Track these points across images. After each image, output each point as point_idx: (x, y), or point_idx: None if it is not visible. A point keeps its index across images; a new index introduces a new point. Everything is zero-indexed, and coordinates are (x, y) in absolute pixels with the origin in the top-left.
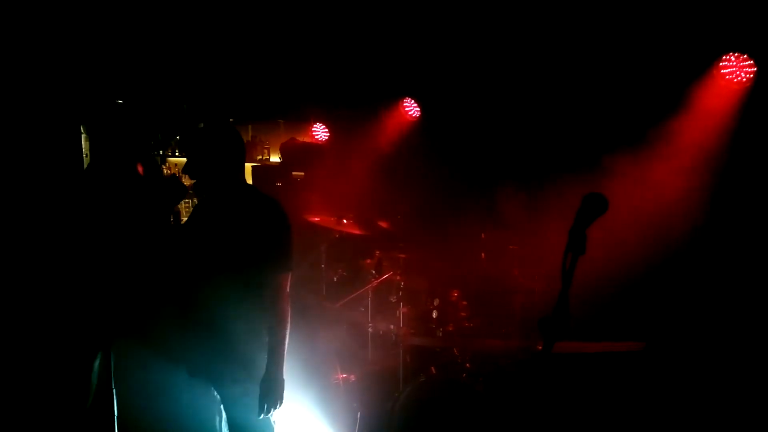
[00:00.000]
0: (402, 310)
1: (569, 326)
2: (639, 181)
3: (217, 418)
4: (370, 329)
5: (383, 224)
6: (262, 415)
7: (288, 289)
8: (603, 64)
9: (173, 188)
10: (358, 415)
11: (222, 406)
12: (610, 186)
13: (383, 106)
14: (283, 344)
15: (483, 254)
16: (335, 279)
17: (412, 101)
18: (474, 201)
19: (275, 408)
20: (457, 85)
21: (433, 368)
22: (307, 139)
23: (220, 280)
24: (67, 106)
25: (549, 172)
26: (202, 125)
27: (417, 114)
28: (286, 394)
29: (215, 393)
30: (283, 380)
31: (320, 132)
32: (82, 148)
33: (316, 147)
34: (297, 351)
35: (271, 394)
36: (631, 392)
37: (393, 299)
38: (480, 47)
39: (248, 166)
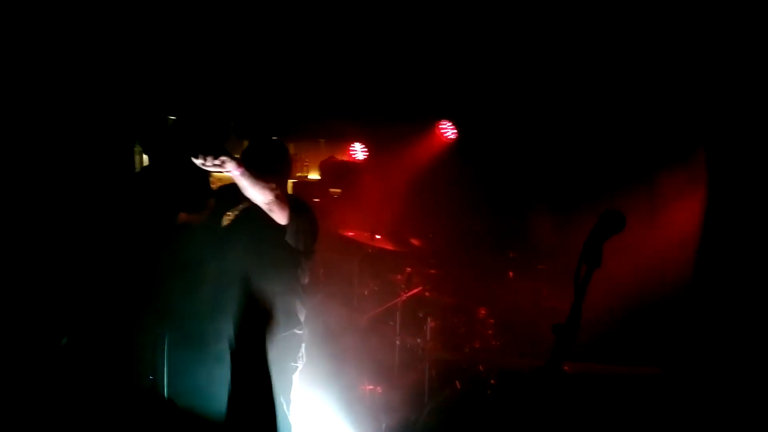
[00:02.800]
0: (429, 324)
1: (576, 334)
2: (670, 206)
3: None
4: (397, 342)
5: (415, 242)
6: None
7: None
8: (642, 92)
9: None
10: (383, 426)
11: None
12: (641, 210)
13: (420, 127)
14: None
15: (510, 273)
16: (366, 293)
17: (449, 123)
18: (505, 221)
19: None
20: (494, 109)
21: (458, 383)
22: (345, 158)
23: (251, 271)
24: (121, 124)
25: (581, 195)
26: (246, 143)
27: (453, 136)
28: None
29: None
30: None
31: (358, 151)
32: (134, 161)
33: (354, 165)
34: (326, 361)
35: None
36: (647, 417)
37: (421, 314)
38: (517, 72)
39: (289, 182)
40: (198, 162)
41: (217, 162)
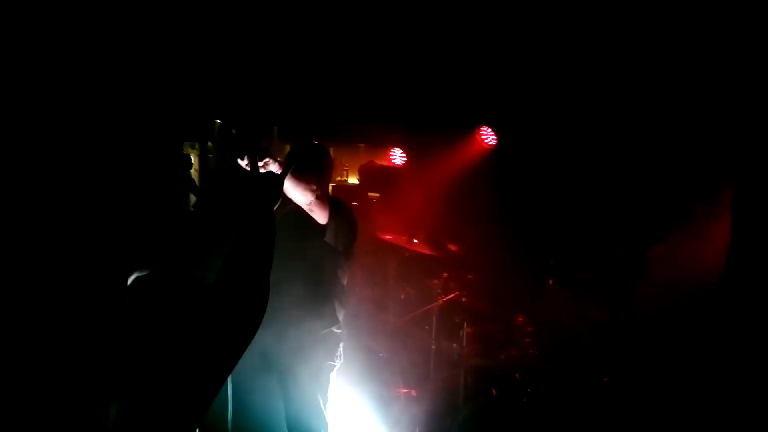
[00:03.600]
0: (466, 330)
1: (621, 341)
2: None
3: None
4: (433, 347)
5: (452, 247)
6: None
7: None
8: (691, 100)
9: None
10: (417, 430)
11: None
12: (693, 224)
13: (461, 133)
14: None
15: (550, 281)
16: (402, 296)
17: (489, 129)
18: (544, 228)
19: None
20: (534, 115)
21: (493, 390)
22: (384, 163)
23: (292, 269)
24: (174, 126)
25: (625, 203)
26: (289, 147)
27: (493, 142)
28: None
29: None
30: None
31: (398, 156)
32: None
33: (393, 170)
34: (363, 362)
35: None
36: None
37: (457, 319)
38: (558, 79)
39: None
40: (243, 163)
41: (260, 163)
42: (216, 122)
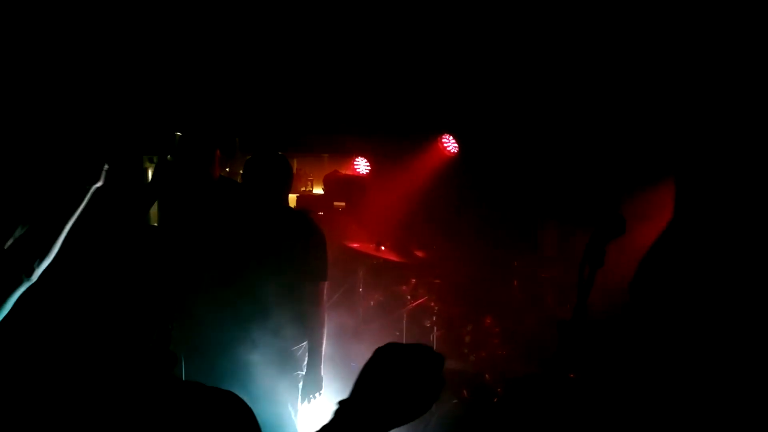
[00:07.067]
0: (436, 334)
1: (586, 332)
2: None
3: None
4: None
5: (419, 253)
6: (304, 403)
7: (324, 297)
8: (644, 104)
9: None
10: None
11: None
12: (648, 218)
13: (423, 141)
14: (321, 345)
15: (515, 282)
16: (372, 303)
17: (451, 137)
18: (508, 231)
19: (315, 398)
20: (495, 122)
21: (465, 391)
22: (349, 172)
23: (266, 285)
24: (129, 139)
25: (585, 205)
26: (249, 157)
27: (455, 150)
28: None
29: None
30: (321, 377)
31: (362, 165)
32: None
33: (358, 179)
34: (333, 371)
35: (312, 388)
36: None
37: (427, 324)
38: (517, 87)
39: (293, 196)
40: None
41: None
42: (176, 135)
